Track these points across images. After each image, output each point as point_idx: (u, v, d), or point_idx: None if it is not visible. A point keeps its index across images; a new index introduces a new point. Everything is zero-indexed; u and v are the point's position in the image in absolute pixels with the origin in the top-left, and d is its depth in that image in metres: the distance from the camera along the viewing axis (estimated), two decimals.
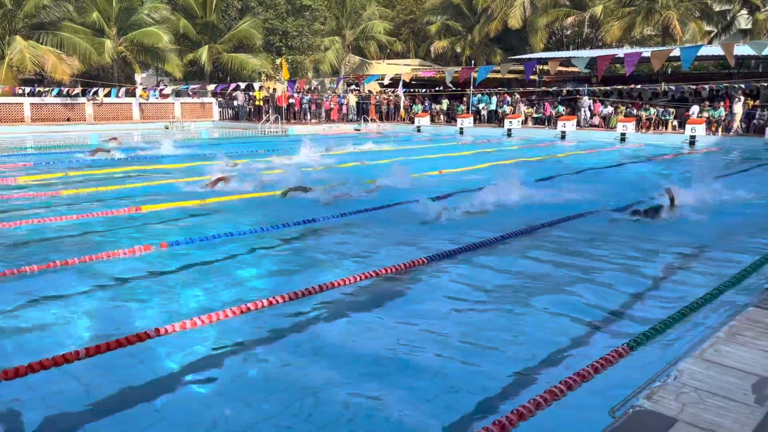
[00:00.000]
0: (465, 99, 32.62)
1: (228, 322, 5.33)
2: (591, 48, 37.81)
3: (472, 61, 41.42)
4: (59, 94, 28.20)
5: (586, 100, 28.78)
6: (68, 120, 28.89)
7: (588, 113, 28.54)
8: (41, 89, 28.38)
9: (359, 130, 31.28)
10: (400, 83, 32.83)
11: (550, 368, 4.63)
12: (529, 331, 5.36)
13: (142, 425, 3.88)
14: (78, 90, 28.67)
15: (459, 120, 30.47)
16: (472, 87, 31.11)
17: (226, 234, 8.35)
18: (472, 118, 30.61)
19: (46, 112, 28.55)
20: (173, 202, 10.69)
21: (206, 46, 34.78)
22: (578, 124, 27.88)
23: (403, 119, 33.62)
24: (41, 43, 29.11)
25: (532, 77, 34.57)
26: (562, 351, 4.93)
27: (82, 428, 3.87)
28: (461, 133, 29.43)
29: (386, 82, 37.82)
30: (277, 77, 37.10)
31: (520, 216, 9.71)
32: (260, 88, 31.81)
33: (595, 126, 28.15)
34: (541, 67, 32.27)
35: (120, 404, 4.14)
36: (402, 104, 34.33)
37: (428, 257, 7.24)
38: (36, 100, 28.06)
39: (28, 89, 27.78)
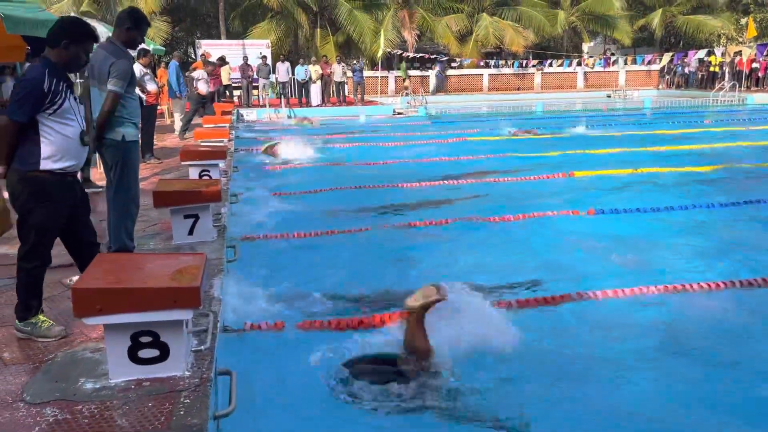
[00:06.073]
0: None
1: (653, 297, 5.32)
2: None
3: None
4: (519, 66, 31.03)
5: None
6: (518, 89, 31.56)
7: None
8: (502, 62, 31.66)
9: None
10: None
11: None
12: None
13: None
14: (533, 62, 30.98)
15: None
16: None
17: (653, 209, 8.19)
18: None
19: (500, 81, 31.82)
20: (603, 170, 10.92)
21: (660, 10, 33.03)
22: None
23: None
24: (502, 19, 32.21)
25: None
26: None
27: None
28: None
29: None
30: (740, 39, 32.89)
31: None
32: (708, 53, 28.72)
33: None
34: None
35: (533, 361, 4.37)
36: None
37: None
38: (493, 71, 31.47)
39: (492, 62, 31.40)
